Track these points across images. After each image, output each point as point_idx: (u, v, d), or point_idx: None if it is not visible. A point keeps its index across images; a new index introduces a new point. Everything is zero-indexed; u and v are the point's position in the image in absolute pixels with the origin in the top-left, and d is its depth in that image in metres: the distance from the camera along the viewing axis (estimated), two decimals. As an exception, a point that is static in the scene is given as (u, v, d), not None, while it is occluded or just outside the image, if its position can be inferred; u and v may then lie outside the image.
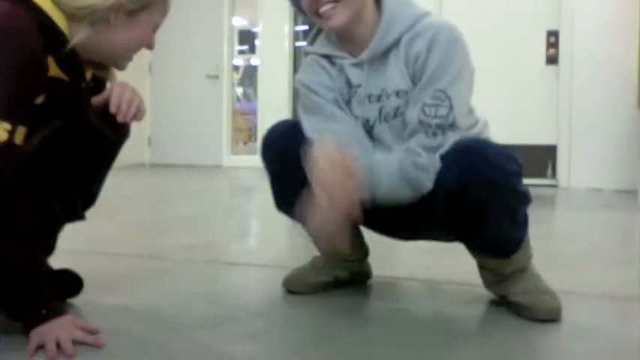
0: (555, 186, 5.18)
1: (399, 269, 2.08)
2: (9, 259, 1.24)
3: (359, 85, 1.52)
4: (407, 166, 1.41)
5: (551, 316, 1.48)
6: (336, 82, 1.54)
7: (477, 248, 1.58)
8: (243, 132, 9.17)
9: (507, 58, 5.38)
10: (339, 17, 1.44)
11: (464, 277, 1.88)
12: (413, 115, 1.43)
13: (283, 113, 7.14)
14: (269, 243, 2.60)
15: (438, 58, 1.42)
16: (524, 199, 1.46)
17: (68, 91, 1.39)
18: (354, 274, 1.80)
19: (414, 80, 1.46)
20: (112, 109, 1.35)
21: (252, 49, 7.96)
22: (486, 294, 1.67)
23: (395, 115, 1.49)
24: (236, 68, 7.94)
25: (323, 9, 1.44)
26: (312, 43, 1.60)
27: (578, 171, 5.21)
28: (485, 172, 1.35)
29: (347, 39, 1.52)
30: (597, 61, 5.14)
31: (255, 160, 7.57)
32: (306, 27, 7.47)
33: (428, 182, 1.41)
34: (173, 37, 7.34)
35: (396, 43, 1.47)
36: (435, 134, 1.41)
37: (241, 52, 8.16)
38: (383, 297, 1.72)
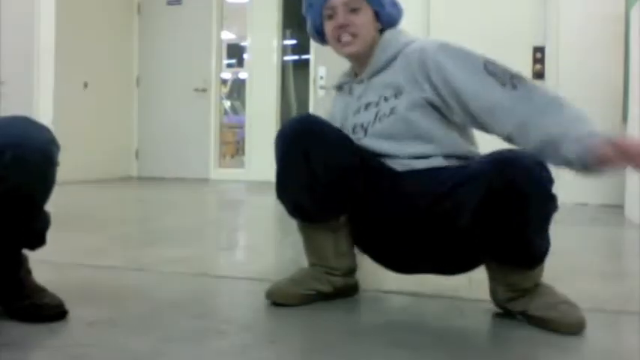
0: (542, 200, 5.20)
1: (387, 283, 2.07)
2: None
3: (360, 97, 1.82)
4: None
5: (575, 329, 1.50)
6: (344, 101, 1.88)
7: (501, 258, 1.57)
8: (230, 145, 9.17)
9: (494, 74, 5.41)
10: (353, 46, 1.81)
11: (453, 291, 1.88)
12: (493, 93, 1.66)
13: (271, 127, 7.15)
14: (257, 256, 2.58)
15: (451, 59, 1.68)
16: (556, 206, 1.51)
17: None
18: (338, 288, 1.79)
19: (435, 88, 1.68)
20: None
21: (240, 63, 7.98)
22: (474, 307, 1.66)
23: (390, 114, 1.74)
24: (224, 82, 7.95)
25: (344, 39, 1.82)
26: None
27: (564, 186, 5.20)
28: (531, 168, 1.45)
29: (357, 61, 1.87)
30: (583, 76, 5.19)
31: (242, 174, 7.57)
32: (294, 41, 7.51)
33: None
34: (161, 50, 7.36)
35: (394, 58, 1.78)
36: (515, 77, 1.74)
37: (229, 65, 8.17)
38: (371, 310, 1.71)
